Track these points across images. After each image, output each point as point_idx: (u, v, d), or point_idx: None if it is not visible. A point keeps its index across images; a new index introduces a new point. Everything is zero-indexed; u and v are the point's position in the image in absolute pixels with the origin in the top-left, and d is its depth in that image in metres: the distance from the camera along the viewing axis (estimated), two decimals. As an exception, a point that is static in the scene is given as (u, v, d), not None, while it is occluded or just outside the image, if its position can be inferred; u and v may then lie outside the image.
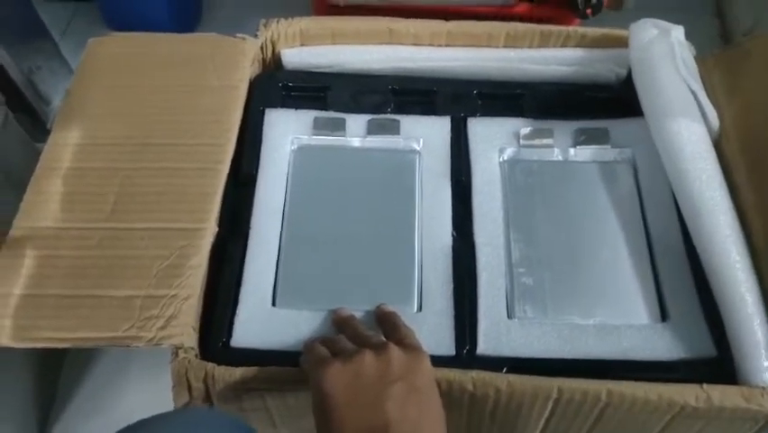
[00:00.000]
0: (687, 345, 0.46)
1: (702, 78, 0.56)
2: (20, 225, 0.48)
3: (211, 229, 0.48)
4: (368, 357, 0.39)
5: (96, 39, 0.59)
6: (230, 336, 0.47)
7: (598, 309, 0.48)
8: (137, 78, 0.56)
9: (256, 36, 0.59)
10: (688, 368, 0.45)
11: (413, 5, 0.67)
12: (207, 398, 0.44)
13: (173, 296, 0.44)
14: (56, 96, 0.76)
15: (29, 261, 0.46)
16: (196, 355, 0.45)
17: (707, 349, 0.45)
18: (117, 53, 0.58)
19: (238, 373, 0.43)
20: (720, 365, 0.44)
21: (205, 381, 0.43)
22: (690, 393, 0.41)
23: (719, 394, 0.41)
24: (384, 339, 0.42)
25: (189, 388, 0.43)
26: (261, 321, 0.48)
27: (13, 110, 0.67)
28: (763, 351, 0.43)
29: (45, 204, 0.49)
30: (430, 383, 0.40)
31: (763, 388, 0.41)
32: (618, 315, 0.48)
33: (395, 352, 0.39)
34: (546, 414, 0.42)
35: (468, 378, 0.42)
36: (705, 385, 0.41)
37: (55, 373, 0.62)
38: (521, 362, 0.46)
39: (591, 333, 0.47)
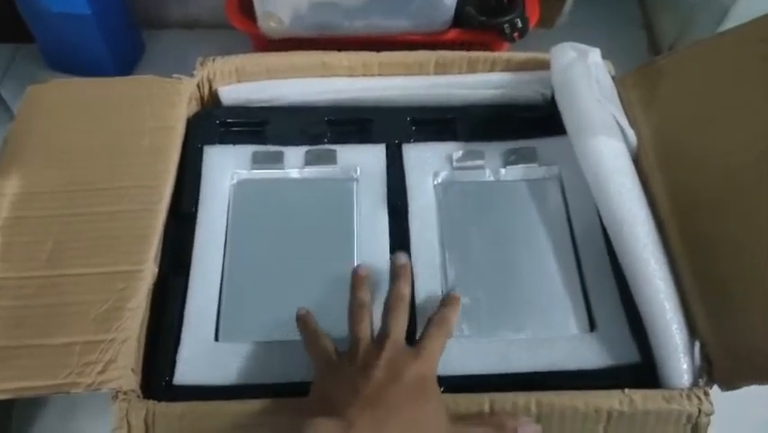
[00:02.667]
0: (613, 352, 0.48)
1: (621, 95, 0.59)
2: (-44, 279, 0.48)
3: (150, 270, 0.49)
4: (377, 373, 0.41)
5: (34, 86, 0.59)
6: (173, 374, 0.48)
7: (531, 323, 0.50)
8: (75, 124, 0.56)
9: (192, 75, 0.61)
10: (614, 375, 0.47)
11: (347, 36, 0.69)
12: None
13: (111, 340, 0.45)
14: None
15: (-36, 312, 0.47)
16: (138, 396, 0.46)
17: (631, 355, 0.48)
18: (56, 99, 0.59)
19: (179, 409, 0.44)
20: (645, 371, 0.47)
21: (145, 419, 0.43)
22: (614, 399, 0.43)
23: (641, 398, 0.43)
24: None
25: (129, 428, 0.43)
26: (204, 357, 0.49)
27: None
28: (681, 355, 0.45)
29: (-19, 255, 0.49)
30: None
31: (682, 390, 0.44)
32: (549, 327, 0.50)
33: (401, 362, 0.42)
34: None
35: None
36: (627, 390, 0.43)
37: (5, 423, 0.62)
38: (459, 379, 0.47)
39: (524, 347, 0.49)
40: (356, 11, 0.67)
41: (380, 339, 0.44)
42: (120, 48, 0.83)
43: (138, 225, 0.51)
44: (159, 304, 0.50)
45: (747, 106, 0.50)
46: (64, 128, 0.56)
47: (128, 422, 0.43)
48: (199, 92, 0.62)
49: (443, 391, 0.45)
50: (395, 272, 0.49)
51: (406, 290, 0.48)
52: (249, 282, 0.53)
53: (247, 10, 0.70)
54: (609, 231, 0.52)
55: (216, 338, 0.50)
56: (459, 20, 0.69)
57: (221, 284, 0.52)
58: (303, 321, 0.48)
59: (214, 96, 0.62)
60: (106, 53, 0.78)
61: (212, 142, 0.59)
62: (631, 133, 0.55)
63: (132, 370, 0.45)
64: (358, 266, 0.50)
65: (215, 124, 0.60)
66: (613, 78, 0.60)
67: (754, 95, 0.49)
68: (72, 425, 0.60)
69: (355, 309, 0.47)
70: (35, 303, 0.47)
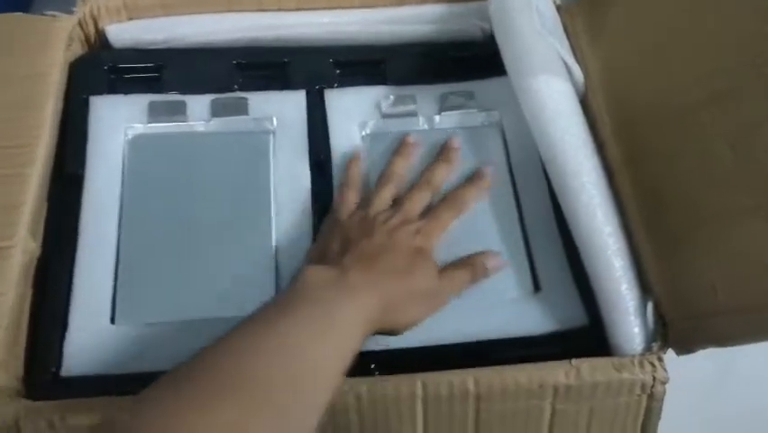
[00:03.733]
0: (559, 316, 0.44)
1: (567, 26, 0.53)
2: None
3: (21, 247, 0.41)
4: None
5: None
6: (60, 365, 0.41)
7: (476, 290, 0.45)
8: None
9: (72, 12, 0.51)
10: (561, 340, 0.43)
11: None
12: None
13: (-25, 332, 0.38)
14: None
15: None
16: (18, 393, 0.39)
17: (579, 319, 0.43)
18: None
19: (59, 406, 0.37)
20: (594, 335, 0.43)
21: (16, 421, 0.36)
22: (560, 371, 0.39)
23: (589, 368, 0.39)
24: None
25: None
26: (98, 342, 0.42)
27: None
28: (633, 317, 0.41)
29: None
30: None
31: (634, 356, 0.40)
32: (489, 290, 0.45)
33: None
34: (420, 424, 0.39)
35: (346, 386, 0.38)
36: (574, 361, 0.39)
37: None
38: (388, 354, 0.42)
39: (460, 314, 0.44)
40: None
41: (396, 208, 0.45)
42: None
43: (5, 193, 0.42)
44: (42, 283, 0.43)
45: (705, 37, 0.44)
46: None
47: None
48: (83, 31, 0.52)
49: (374, 371, 0.40)
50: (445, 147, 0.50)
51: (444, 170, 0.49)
52: (149, 255, 0.45)
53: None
54: (553, 182, 0.46)
55: (112, 321, 0.43)
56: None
57: (116, 258, 0.45)
58: (351, 163, 0.49)
59: (101, 36, 0.53)
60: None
61: (99, 91, 0.50)
62: (577, 70, 0.49)
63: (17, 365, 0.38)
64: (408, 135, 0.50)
65: (103, 70, 0.51)
66: (558, 6, 0.54)
67: (714, 24, 0.44)
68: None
69: (387, 173, 0.48)
70: None
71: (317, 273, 0.38)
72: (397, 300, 0.40)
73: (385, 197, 0.46)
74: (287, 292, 0.38)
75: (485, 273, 0.45)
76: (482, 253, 0.45)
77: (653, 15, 0.48)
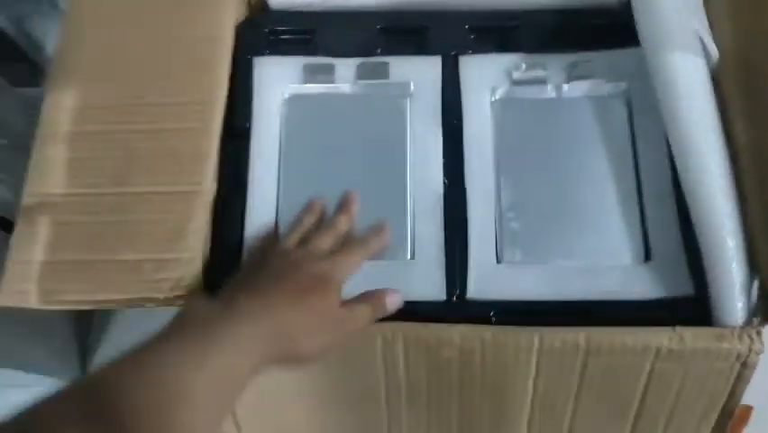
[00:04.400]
0: (666, 284, 0.48)
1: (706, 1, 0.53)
2: (31, 193, 0.51)
3: (208, 190, 0.50)
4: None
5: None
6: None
7: (584, 251, 0.50)
8: (123, 32, 0.55)
9: (238, -23, 0.57)
10: (667, 307, 0.47)
11: None
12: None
13: (177, 259, 0.48)
14: (48, 41, 0.76)
15: (43, 228, 0.49)
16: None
17: (685, 289, 0.47)
18: (102, 3, 0.57)
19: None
20: (698, 305, 0.47)
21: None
22: (664, 336, 0.44)
23: (692, 335, 0.44)
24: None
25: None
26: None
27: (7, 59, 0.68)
28: (738, 293, 0.44)
29: (51, 170, 0.51)
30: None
31: (734, 328, 0.44)
32: (603, 256, 0.50)
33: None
34: (533, 372, 0.45)
35: (455, 331, 0.45)
36: (678, 328, 0.44)
37: (89, 313, 0.68)
38: (509, 304, 0.48)
39: (576, 274, 0.49)
40: None
41: (302, 246, 0.46)
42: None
43: (194, 144, 0.51)
44: (219, 221, 0.52)
45: None
46: (110, 37, 0.55)
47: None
48: (244, -6, 0.59)
49: (495, 318, 0.47)
50: (343, 206, 0.50)
51: (345, 224, 0.49)
52: (304, 197, 0.53)
53: None
54: (676, 158, 0.49)
55: (275, 255, 0.52)
56: None
57: (276, 203, 0.53)
58: (309, 206, 0.51)
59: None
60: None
61: (261, 52, 0.57)
62: (713, 49, 0.50)
63: (200, 288, 0.48)
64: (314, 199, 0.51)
65: (264, 32, 0.57)
66: (699, -21, 0.53)
67: None
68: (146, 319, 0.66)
69: (301, 219, 0.50)
70: (103, 219, 0.50)
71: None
72: (293, 328, 0.39)
73: (294, 239, 0.47)
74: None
75: (384, 311, 0.45)
76: (384, 290, 0.45)
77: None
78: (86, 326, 0.71)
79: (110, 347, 0.70)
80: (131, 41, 0.55)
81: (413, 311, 0.48)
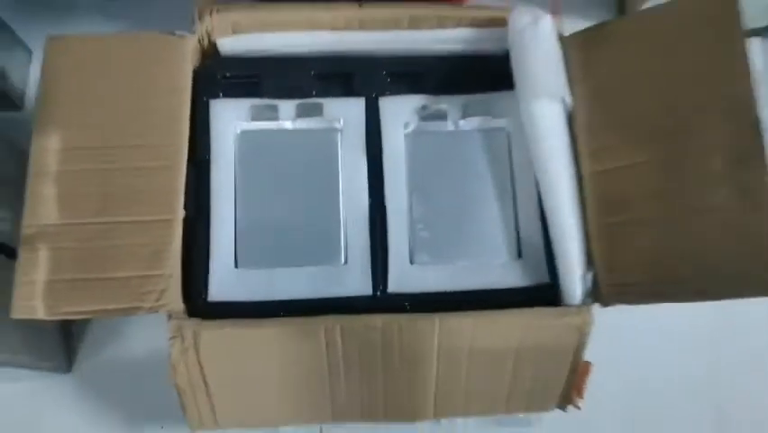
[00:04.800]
0: (532, 276, 0.65)
1: (566, 53, 0.69)
2: (29, 224, 0.61)
3: (180, 217, 0.63)
4: None
5: (52, 39, 0.66)
6: (207, 294, 0.64)
7: (475, 253, 0.67)
8: (100, 83, 0.65)
9: (194, 32, 0.68)
10: (531, 293, 0.65)
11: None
12: (196, 346, 0.61)
13: (161, 275, 0.60)
14: (14, 74, 0.84)
15: (43, 253, 0.61)
16: (185, 316, 0.62)
17: (544, 278, 0.65)
18: (76, 56, 0.66)
19: (214, 325, 0.61)
20: (552, 290, 0.64)
21: (194, 331, 0.60)
22: (529, 314, 0.61)
23: (546, 313, 0.61)
24: None
25: (183, 339, 0.60)
26: (228, 279, 0.65)
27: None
28: (578, 282, 0.62)
29: (44, 205, 0.62)
30: None
31: (574, 306, 0.62)
32: (488, 256, 0.67)
33: None
34: (436, 347, 0.62)
35: (379, 319, 0.60)
36: (537, 308, 0.61)
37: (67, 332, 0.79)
38: (419, 296, 0.65)
39: (469, 271, 0.66)
40: (337, -43, 0.72)
41: None
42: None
43: (166, 179, 0.63)
44: (188, 238, 0.65)
45: (676, 76, 0.61)
46: (88, 88, 0.65)
47: (181, 334, 0.60)
48: (200, 45, 0.70)
49: (409, 307, 0.63)
50: None
51: None
52: (257, 219, 0.67)
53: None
54: (539, 181, 0.66)
55: (236, 265, 0.65)
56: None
57: (235, 221, 0.66)
58: None
59: (213, 47, 0.70)
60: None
61: (216, 95, 0.69)
62: (568, 95, 0.66)
63: (180, 298, 0.61)
64: None
65: (217, 78, 0.69)
66: (561, 36, 0.69)
67: (684, 66, 0.61)
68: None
69: None
70: (94, 245, 0.61)
71: None
72: None
73: None
74: None
75: None
76: None
77: (634, 57, 0.65)
78: (69, 333, 0.82)
79: (92, 342, 0.82)
80: (104, 91, 0.65)
81: (347, 304, 0.63)
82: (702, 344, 0.83)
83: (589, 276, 0.63)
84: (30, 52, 0.89)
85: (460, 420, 0.77)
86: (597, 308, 0.62)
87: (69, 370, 0.79)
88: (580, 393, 0.67)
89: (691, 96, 0.60)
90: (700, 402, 0.82)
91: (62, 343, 0.77)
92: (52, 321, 0.76)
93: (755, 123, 0.57)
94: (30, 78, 0.88)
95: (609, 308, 0.62)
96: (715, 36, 0.60)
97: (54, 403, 0.78)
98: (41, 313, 0.60)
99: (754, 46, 0.93)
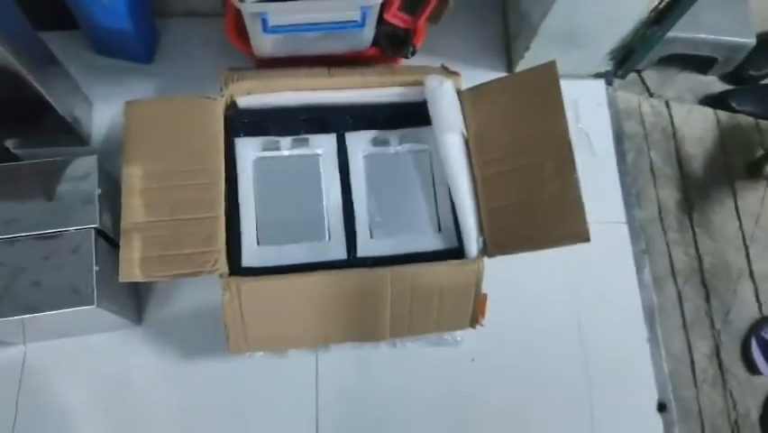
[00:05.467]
0: (446, 242, 1.04)
1: (463, 103, 1.08)
2: (125, 222, 0.96)
3: (222, 215, 0.99)
4: None
5: (129, 104, 1.01)
6: (241, 261, 1.00)
7: (410, 229, 1.05)
8: (163, 130, 1.01)
9: (222, 95, 1.04)
10: (446, 253, 1.04)
11: (309, 55, 1.12)
12: (239, 294, 0.97)
13: (213, 250, 0.96)
14: (82, 119, 1.18)
15: (137, 240, 0.96)
16: (229, 274, 0.98)
17: (454, 244, 1.04)
18: (146, 112, 1.02)
19: (250, 280, 0.97)
20: (459, 251, 1.03)
21: (238, 285, 0.96)
22: (444, 264, 1.00)
23: (455, 263, 1.00)
24: None
25: (230, 289, 0.96)
26: (254, 252, 1.01)
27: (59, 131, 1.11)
28: (474, 245, 1.01)
29: (134, 210, 0.97)
30: None
31: (472, 258, 1.01)
32: (419, 231, 1.05)
33: None
34: (389, 289, 0.99)
35: (352, 273, 0.98)
36: (449, 261, 1.00)
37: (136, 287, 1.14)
38: (377, 258, 1.03)
39: (406, 241, 1.04)
40: (313, 41, 1.10)
41: None
42: (144, 35, 1.21)
43: (212, 191, 0.99)
44: (227, 227, 1.01)
45: (523, 118, 1.02)
46: (157, 132, 1.01)
47: (229, 286, 0.96)
48: (226, 102, 1.06)
49: (371, 264, 1.01)
50: None
51: None
52: (270, 212, 1.03)
53: (242, 32, 1.11)
54: (449, 183, 1.05)
55: (258, 243, 1.02)
56: (376, 42, 1.14)
57: (256, 216, 1.03)
58: None
59: (234, 103, 1.07)
60: (134, 41, 1.17)
61: (239, 135, 1.05)
62: (464, 129, 1.06)
63: (227, 264, 0.97)
64: None
65: (238, 124, 1.06)
66: (459, 91, 1.08)
67: (527, 112, 1.01)
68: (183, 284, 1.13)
69: None
70: (168, 233, 0.97)
71: None
72: None
73: None
74: None
75: None
76: None
77: (499, 106, 1.05)
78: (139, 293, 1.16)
79: (154, 304, 1.16)
80: (167, 135, 1.01)
81: (331, 265, 1.01)
82: (562, 289, 1.23)
83: (481, 240, 1.03)
84: (91, 103, 1.23)
85: (409, 343, 1.15)
86: (486, 260, 1.01)
87: (140, 322, 1.13)
88: (482, 314, 1.06)
89: (532, 130, 1.01)
90: (565, 323, 1.21)
91: (137, 304, 1.12)
92: (131, 288, 1.10)
93: (568, 144, 0.98)
94: (92, 120, 1.22)
95: (499, 260, 1.01)
96: (545, 93, 1.01)
97: (132, 345, 1.12)
98: (138, 277, 0.95)
99: (598, 86, 1.36)
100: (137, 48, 1.21)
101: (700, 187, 1.37)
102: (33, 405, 1.08)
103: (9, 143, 1.13)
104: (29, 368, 1.09)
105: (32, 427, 1.07)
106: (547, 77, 1.02)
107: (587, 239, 0.94)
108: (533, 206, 0.99)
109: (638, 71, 1.50)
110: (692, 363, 1.22)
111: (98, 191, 0.97)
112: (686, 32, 1.37)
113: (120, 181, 0.98)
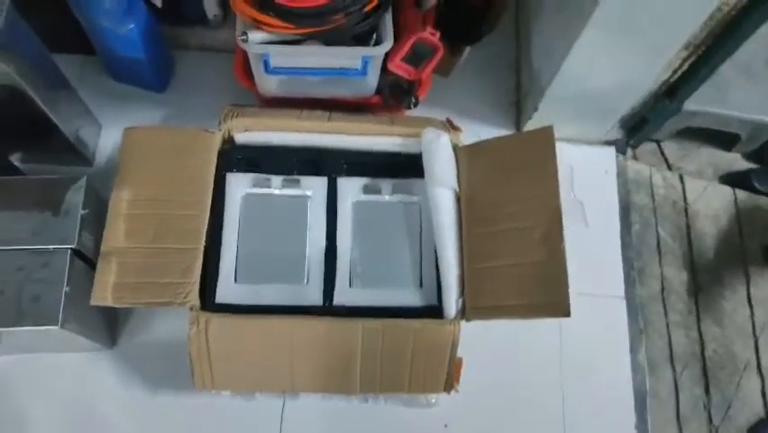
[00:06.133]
0: (427, 299, 1.01)
1: (458, 158, 1.06)
2: (105, 245, 0.97)
3: (202, 248, 0.98)
4: None
5: (128, 129, 1.03)
6: (215, 297, 0.99)
7: (391, 282, 1.03)
8: (157, 158, 1.02)
9: (220, 129, 1.06)
10: (425, 310, 1.00)
11: (311, 97, 1.13)
12: (206, 329, 0.96)
13: (188, 282, 0.95)
14: (89, 140, 1.21)
15: (113, 264, 0.96)
16: (201, 308, 0.97)
17: (434, 301, 1.01)
18: (143, 140, 1.03)
19: (220, 316, 0.95)
20: (439, 309, 1.00)
21: (206, 320, 0.95)
22: (420, 322, 0.96)
23: (432, 322, 0.97)
24: None
25: (198, 323, 0.94)
26: (229, 289, 1.00)
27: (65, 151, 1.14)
28: (454, 305, 0.98)
29: (116, 234, 0.97)
30: None
31: (450, 320, 0.97)
32: (400, 285, 1.02)
33: None
34: (360, 340, 0.96)
35: (325, 320, 0.95)
36: (425, 319, 0.97)
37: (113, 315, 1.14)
38: (354, 309, 1.00)
39: (385, 294, 1.01)
40: (316, 84, 1.10)
41: None
42: (157, 65, 1.24)
43: (196, 223, 0.99)
44: (206, 261, 1.00)
45: (517, 180, 0.99)
46: (151, 160, 1.02)
47: (197, 320, 0.94)
48: (223, 137, 1.07)
49: (345, 313, 0.98)
50: None
51: None
52: (252, 250, 1.02)
53: (249, 70, 1.13)
54: (436, 238, 1.02)
55: (236, 280, 1.01)
56: (380, 90, 1.14)
57: (236, 252, 1.02)
58: None
59: (231, 138, 1.08)
60: (148, 70, 1.20)
61: (230, 170, 1.06)
62: (456, 185, 1.04)
63: (198, 298, 0.96)
64: None
65: (232, 159, 1.06)
66: (455, 146, 1.07)
67: (521, 174, 0.99)
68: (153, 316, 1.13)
69: None
70: (147, 261, 0.97)
71: None
72: None
73: None
74: None
75: None
76: None
77: (494, 165, 1.02)
78: (114, 320, 1.16)
79: (130, 329, 1.15)
80: (160, 163, 1.02)
81: (305, 310, 0.98)
82: (549, 358, 1.17)
83: (460, 301, 0.99)
84: (100, 126, 1.26)
85: (381, 399, 1.10)
86: (464, 323, 0.98)
87: (113, 346, 1.12)
88: (457, 380, 1.02)
89: (524, 193, 0.98)
90: (548, 394, 1.15)
91: (110, 327, 1.11)
92: (106, 311, 1.10)
93: (558, 212, 0.94)
94: (99, 143, 1.25)
95: (478, 324, 0.97)
96: (541, 157, 0.99)
97: (100, 369, 1.11)
98: (109, 301, 0.94)
99: (607, 153, 1.32)
100: (150, 77, 1.25)
101: (710, 268, 1.30)
102: (-3, 417, 1.08)
103: (14, 158, 1.16)
104: (-2, 380, 1.09)
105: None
106: (544, 141, 1.00)
107: (567, 314, 0.90)
108: (516, 272, 0.96)
109: (657, 142, 1.47)
110: (684, 458, 1.13)
111: (82, 212, 0.98)
112: (710, 106, 1.33)
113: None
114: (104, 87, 1.28)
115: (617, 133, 1.32)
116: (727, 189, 1.41)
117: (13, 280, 0.93)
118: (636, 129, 1.30)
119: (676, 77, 1.13)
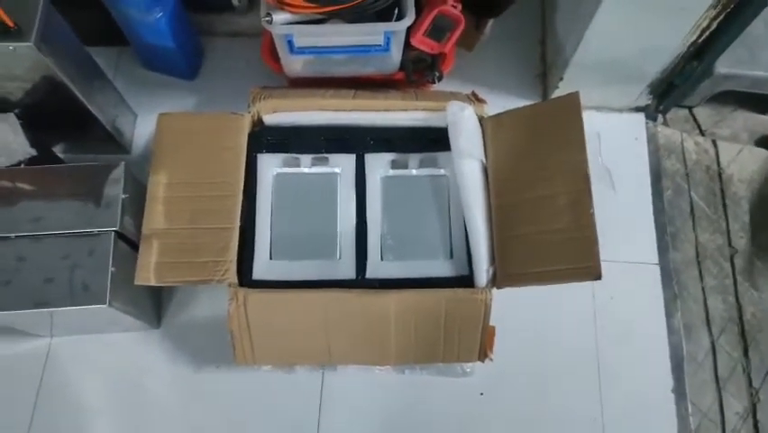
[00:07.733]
0: (457, 269, 1.02)
1: (485, 130, 1.07)
2: (146, 228, 1.01)
3: (237, 227, 1.01)
4: None
5: (162, 115, 1.07)
6: (252, 274, 1.02)
7: (422, 254, 1.04)
8: (191, 143, 1.06)
9: (249, 111, 1.08)
10: (456, 280, 1.02)
11: (338, 76, 1.15)
12: (245, 304, 0.99)
13: (225, 260, 0.99)
14: (125, 129, 1.26)
15: (155, 246, 1.00)
16: (240, 285, 1.01)
17: (465, 271, 1.02)
18: (177, 125, 1.07)
19: (257, 292, 0.99)
20: (470, 278, 1.01)
21: (244, 295, 0.98)
22: (452, 291, 0.98)
23: (463, 291, 0.98)
24: None
25: (237, 299, 0.98)
26: (265, 266, 1.03)
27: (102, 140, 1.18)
28: (484, 274, 0.99)
29: (156, 217, 1.01)
30: None
31: (481, 288, 0.98)
32: (431, 256, 1.04)
33: None
34: (393, 309, 0.98)
35: (358, 293, 0.98)
36: (456, 288, 0.98)
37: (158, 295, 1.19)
38: (385, 281, 1.02)
39: (418, 265, 1.03)
40: (341, 63, 1.12)
41: None
42: (187, 52, 1.28)
43: (230, 203, 1.02)
44: (242, 239, 1.03)
45: (541, 147, 0.99)
46: (185, 144, 1.06)
47: (236, 296, 0.98)
48: (252, 119, 1.10)
49: (378, 286, 1.00)
50: None
51: None
52: (285, 228, 1.05)
53: (275, 53, 1.15)
54: (464, 209, 1.03)
55: (270, 257, 1.04)
56: (403, 66, 1.15)
57: (270, 230, 1.05)
58: None
59: (260, 119, 1.10)
60: (180, 58, 1.24)
61: (261, 151, 1.09)
62: (482, 156, 1.04)
63: (236, 274, 0.99)
64: None
65: (262, 140, 1.09)
66: (480, 117, 1.07)
67: (546, 141, 0.99)
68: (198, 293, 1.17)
69: None
70: (186, 241, 1.01)
71: None
72: None
73: None
74: None
75: None
76: None
77: (519, 134, 1.03)
78: (159, 297, 1.21)
79: (174, 309, 1.20)
80: (194, 147, 1.05)
81: (339, 284, 1.01)
82: (583, 323, 1.18)
83: (491, 270, 1.00)
84: (135, 115, 1.31)
85: (418, 369, 1.13)
86: (495, 291, 0.99)
87: (159, 326, 1.18)
88: (491, 348, 1.03)
89: (550, 161, 0.98)
90: (583, 360, 1.15)
91: (155, 308, 1.16)
92: (150, 291, 1.15)
93: (586, 178, 0.94)
94: (135, 131, 1.30)
95: (509, 293, 0.98)
96: (567, 125, 0.98)
97: (147, 347, 1.16)
98: (152, 281, 0.98)
99: (637, 120, 1.31)
100: (181, 64, 1.28)
101: (746, 232, 1.28)
102: (52, 393, 1.14)
103: (57, 149, 1.22)
104: (52, 360, 1.15)
105: (50, 410, 1.13)
106: (570, 108, 1.00)
107: (598, 277, 0.90)
108: (546, 238, 0.96)
109: (689, 107, 1.44)
110: (723, 421, 1.13)
111: (123, 196, 1.02)
112: (741, 68, 1.30)
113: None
114: (138, 78, 1.32)
115: (646, 100, 1.30)
116: (763, 152, 1.38)
117: (62, 266, 0.97)
118: (666, 95, 1.28)
119: (704, 37, 1.11)
